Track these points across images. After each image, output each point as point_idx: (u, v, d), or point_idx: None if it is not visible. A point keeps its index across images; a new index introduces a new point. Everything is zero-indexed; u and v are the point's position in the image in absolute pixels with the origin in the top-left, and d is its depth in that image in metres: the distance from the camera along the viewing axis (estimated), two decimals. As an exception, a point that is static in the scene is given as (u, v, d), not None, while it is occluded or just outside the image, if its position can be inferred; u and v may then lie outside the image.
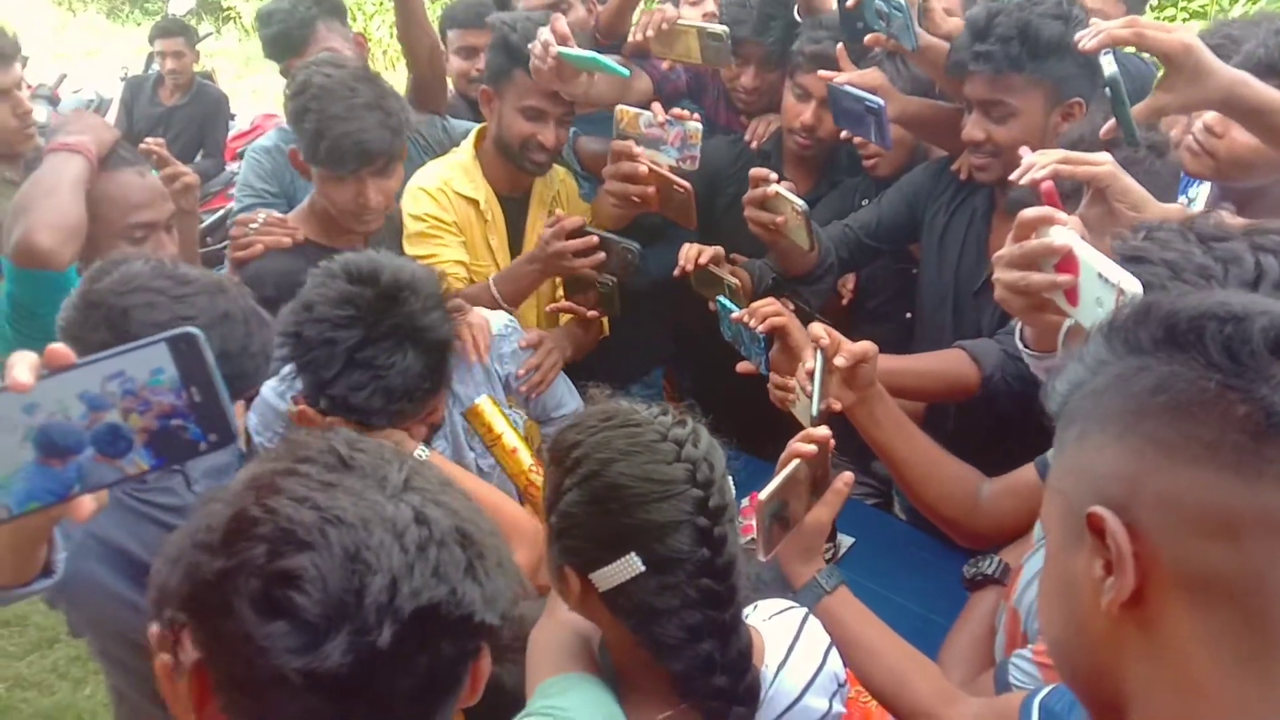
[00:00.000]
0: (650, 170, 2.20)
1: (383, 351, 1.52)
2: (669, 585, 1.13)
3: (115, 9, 13.02)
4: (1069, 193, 1.63)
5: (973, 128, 2.03)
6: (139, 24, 12.35)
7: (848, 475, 1.52)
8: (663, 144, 2.25)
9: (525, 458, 1.78)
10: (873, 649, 1.42)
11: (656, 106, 2.26)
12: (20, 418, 0.81)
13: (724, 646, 1.16)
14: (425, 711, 0.81)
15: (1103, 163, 1.52)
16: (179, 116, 5.44)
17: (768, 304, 1.91)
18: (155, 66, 5.65)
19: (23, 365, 0.80)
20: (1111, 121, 1.59)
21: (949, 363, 1.97)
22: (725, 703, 1.17)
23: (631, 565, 1.12)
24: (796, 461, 1.46)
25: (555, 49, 2.13)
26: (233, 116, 5.78)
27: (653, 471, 1.13)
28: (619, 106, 2.29)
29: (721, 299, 2.07)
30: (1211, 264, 1.21)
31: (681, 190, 2.18)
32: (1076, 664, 0.73)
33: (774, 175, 2.08)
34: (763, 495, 1.38)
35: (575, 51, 2.14)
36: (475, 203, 2.39)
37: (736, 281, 2.15)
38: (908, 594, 1.99)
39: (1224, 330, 0.66)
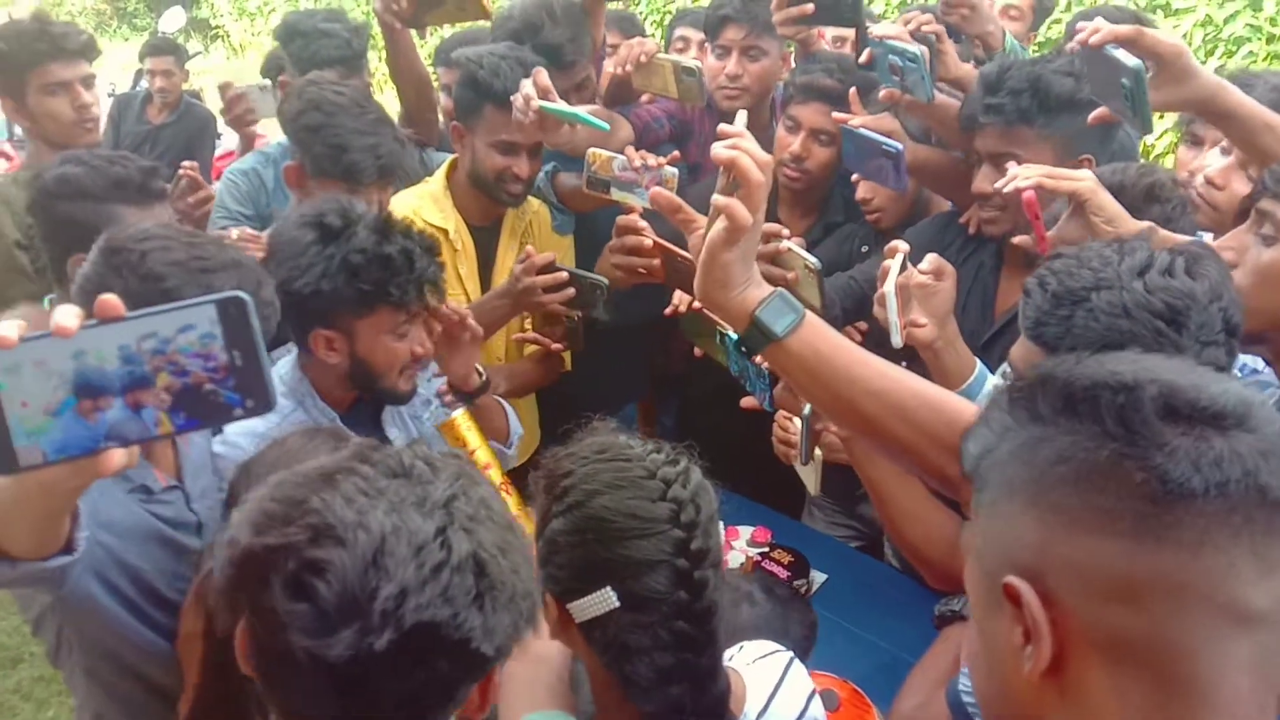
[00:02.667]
0: (655, 244, 2.22)
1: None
2: (642, 624, 1.12)
3: (103, 24, 13.01)
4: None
5: (982, 180, 2.04)
6: (126, 39, 12.35)
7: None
8: (637, 187, 2.26)
9: (495, 475, 1.82)
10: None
11: (630, 151, 2.26)
12: (61, 365, 0.83)
13: (697, 692, 1.15)
14: (412, 713, 0.86)
15: (1083, 178, 1.59)
16: (166, 135, 5.41)
17: None
18: (144, 84, 5.64)
19: (68, 313, 0.82)
20: (1100, 110, 1.70)
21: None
22: None
23: (606, 600, 1.12)
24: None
25: (536, 103, 2.15)
26: (219, 136, 5.76)
27: (636, 508, 1.13)
28: (591, 150, 2.28)
29: (728, 334, 2.07)
30: (1112, 254, 1.35)
31: (685, 262, 2.19)
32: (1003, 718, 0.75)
33: (786, 230, 2.08)
34: (806, 409, 1.37)
35: (556, 106, 2.17)
36: (445, 232, 2.39)
37: (729, 327, 2.16)
38: (880, 632, 2.00)
39: (1117, 400, 0.68)
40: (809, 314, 1.18)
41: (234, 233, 2.22)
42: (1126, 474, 0.65)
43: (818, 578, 2.26)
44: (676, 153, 2.32)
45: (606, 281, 2.26)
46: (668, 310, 2.24)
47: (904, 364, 1.84)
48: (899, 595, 2.17)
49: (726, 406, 2.06)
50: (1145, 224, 1.59)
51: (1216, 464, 0.64)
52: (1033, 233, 1.66)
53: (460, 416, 1.84)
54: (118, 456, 0.85)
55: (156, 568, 1.41)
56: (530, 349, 2.51)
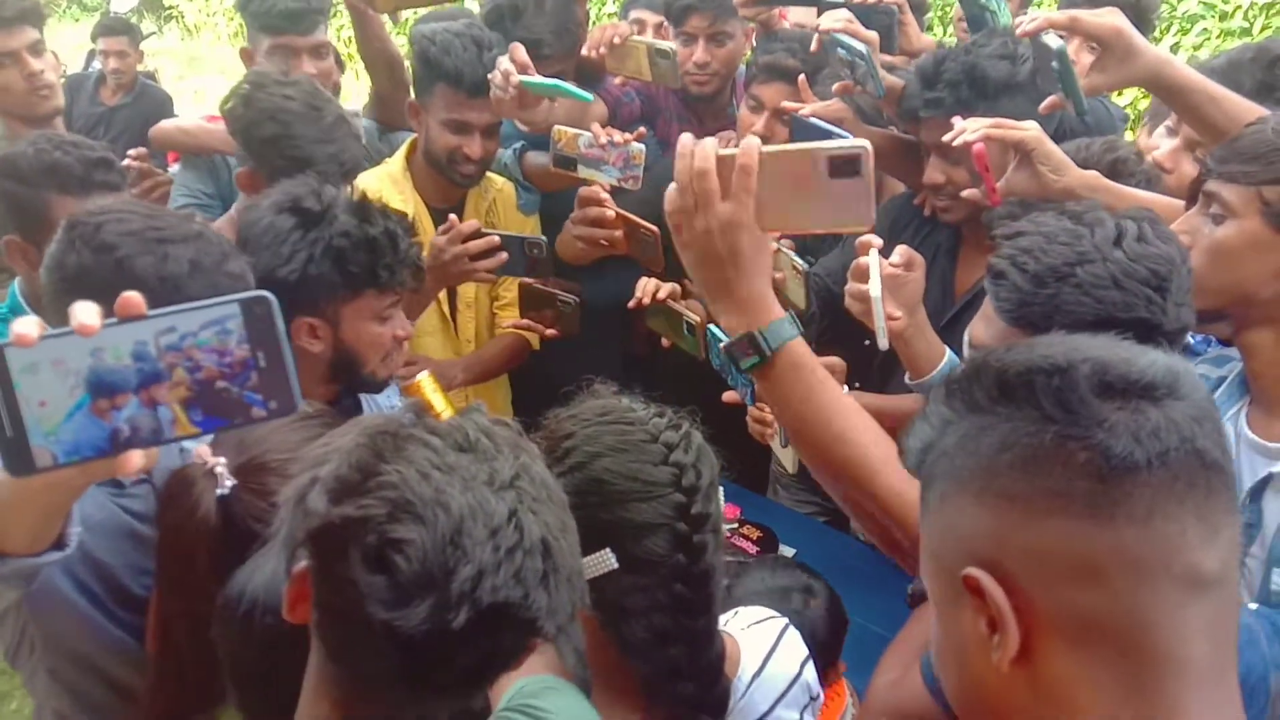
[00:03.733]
0: (618, 215, 2.20)
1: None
2: (640, 586, 1.14)
3: (53, 4, 12.72)
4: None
5: (932, 171, 2.06)
6: (77, 20, 12.08)
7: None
8: (604, 164, 2.25)
9: None
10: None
11: (596, 127, 2.25)
12: (76, 364, 0.81)
13: (693, 653, 1.17)
14: (476, 685, 0.92)
15: (1028, 128, 1.62)
16: (121, 117, 5.30)
17: None
18: (96, 65, 5.52)
19: (89, 311, 0.82)
20: (1052, 98, 1.71)
21: (920, 404, 1.99)
22: (692, 710, 1.18)
23: (605, 561, 1.13)
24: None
25: (516, 78, 2.12)
26: (175, 118, 5.66)
27: (638, 471, 1.14)
28: (556, 127, 2.27)
29: (713, 328, 2.07)
30: (1079, 228, 1.35)
31: (649, 234, 2.19)
32: (976, 715, 0.76)
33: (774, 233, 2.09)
34: None
35: (537, 79, 2.15)
36: (404, 215, 2.37)
37: (696, 317, 2.15)
38: (848, 606, 2.02)
39: (1052, 382, 0.68)
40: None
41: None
42: (1070, 454, 0.66)
43: (786, 552, 2.28)
44: (643, 129, 2.32)
45: (543, 239, 2.24)
46: (631, 303, 2.23)
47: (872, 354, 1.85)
48: (866, 569, 2.20)
49: (690, 385, 2.06)
50: (1091, 173, 1.63)
51: (1155, 434, 0.65)
52: (983, 186, 1.68)
53: (425, 379, 1.83)
54: (136, 458, 0.85)
55: (125, 563, 1.38)
56: (501, 330, 2.49)
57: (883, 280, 1.71)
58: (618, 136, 2.24)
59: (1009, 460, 0.68)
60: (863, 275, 1.73)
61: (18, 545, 1.06)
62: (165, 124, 2.90)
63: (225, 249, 1.48)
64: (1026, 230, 1.39)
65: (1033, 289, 1.33)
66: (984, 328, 1.45)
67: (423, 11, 2.86)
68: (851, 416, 1.16)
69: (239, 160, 2.13)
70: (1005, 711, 0.71)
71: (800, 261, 2.03)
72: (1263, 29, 6.28)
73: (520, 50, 2.17)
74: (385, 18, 2.75)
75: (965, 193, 1.84)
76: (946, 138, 1.72)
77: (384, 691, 0.88)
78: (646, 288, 2.21)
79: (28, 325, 0.81)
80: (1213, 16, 6.40)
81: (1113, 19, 1.61)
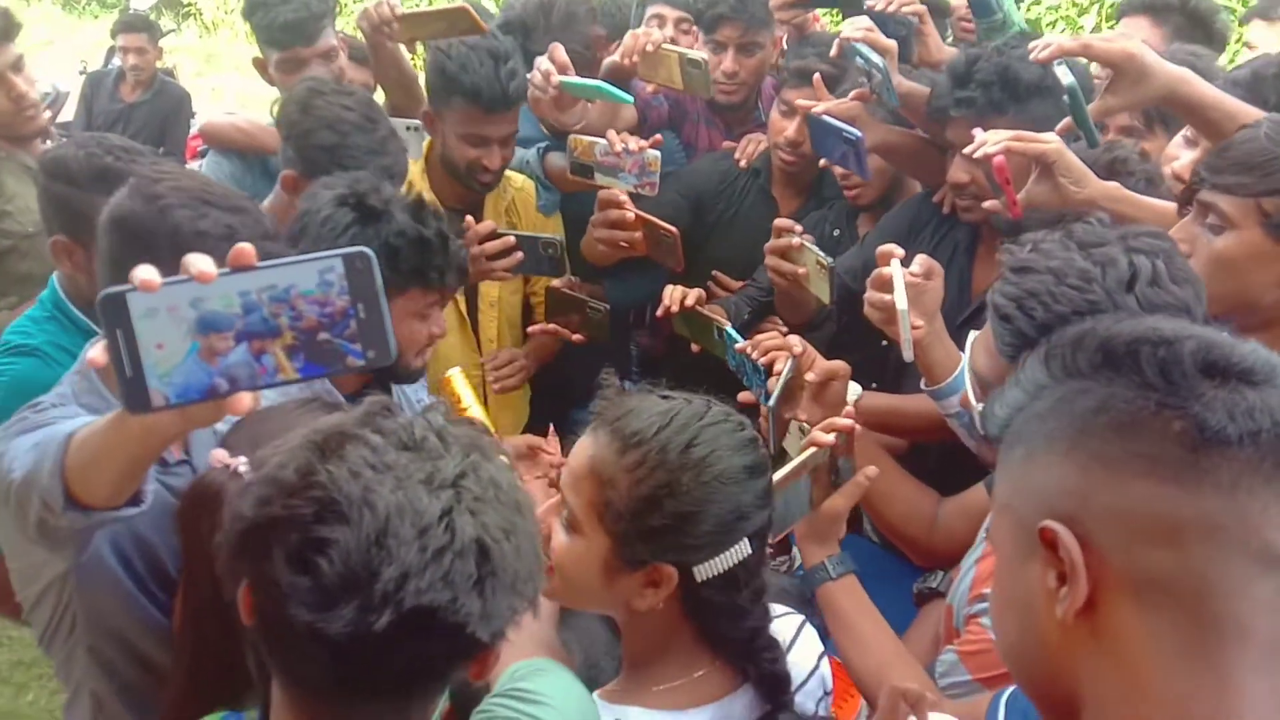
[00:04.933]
0: (637, 216, 2.22)
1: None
2: (754, 559, 1.20)
3: (71, 1, 12.79)
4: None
5: (956, 170, 2.06)
6: (96, 16, 12.14)
7: (871, 469, 1.58)
8: (620, 171, 2.27)
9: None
10: (864, 640, 1.48)
11: (611, 135, 2.27)
12: (189, 311, 0.86)
13: (764, 624, 1.24)
14: (405, 691, 0.89)
15: (1049, 140, 1.63)
16: (140, 113, 5.36)
17: (770, 337, 1.93)
18: (116, 62, 5.57)
19: (206, 260, 0.86)
20: (1067, 120, 1.72)
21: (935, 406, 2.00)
22: (776, 686, 1.23)
23: (743, 549, 1.18)
24: (812, 450, 1.53)
25: (557, 78, 2.13)
26: (194, 114, 5.71)
27: (746, 460, 1.20)
28: (572, 136, 2.29)
29: (728, 330, 2.08)
30: (1090, 267, 1.32)
31: (668, 235, 2.20)
32: (1032, 671, 0.77)
33: (799, 227, 2.10)
34: (776, 477, 1.42)
35: (577, 80, 2.15)
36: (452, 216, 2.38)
37: (727, 323, 2.16)
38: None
39: (1158, 353, 0.72)
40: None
41: None
42: (1166, 422, 0.69)
43: (799, 555, 2.28)
44: (659, 136, 2.33)
45: (558, 239, 2.26)
46: (659, 312, 2.24)
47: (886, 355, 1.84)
48: (878, 571, 2.19)
49: (708, 386, 2.07)
50: (1112, 184, 1.63)
51: (1249, 414, 0.68)
52: (1003, 197, 1.68)
53: (455, 374, 1.85)
54: (246, 399, 0.88)
55: (164, 542, 1.42)
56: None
57: (907, 291, 1.72)
58: (633, 144, 2.26)
59: (1104, 422, 0.71)
60: (884, 285, 1.74)
61: (100, 497, 1.10)
62: (219, 119, 2.91)
63: (267, 229, 1.50)
64: (1035, 266, 1.35)
65: (1038, 336, 1.30)
66: (985, 359, 1.45)
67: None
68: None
69: (284, 163, 2.14)
70: (1062, 665, 0.73)
71: (825, 257, 2.03)
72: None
73: (560, 50, 2.18)
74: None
75: (986, 204, 1.84)
76: (966, 150, 1.73)
77: (315, 691, 0.88)
78: (674, 295, 2.22)
79: (150, 271, 0.85)
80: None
81: (1124, 43, 1.62)
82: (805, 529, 1.55)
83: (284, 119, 2.13)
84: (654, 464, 1.16)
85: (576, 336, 2.40)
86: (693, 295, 2.22)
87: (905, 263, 1.77)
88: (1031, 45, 1.70)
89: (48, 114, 2.64)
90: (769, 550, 2.17)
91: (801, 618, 1.38)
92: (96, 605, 1.44)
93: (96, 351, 0.88)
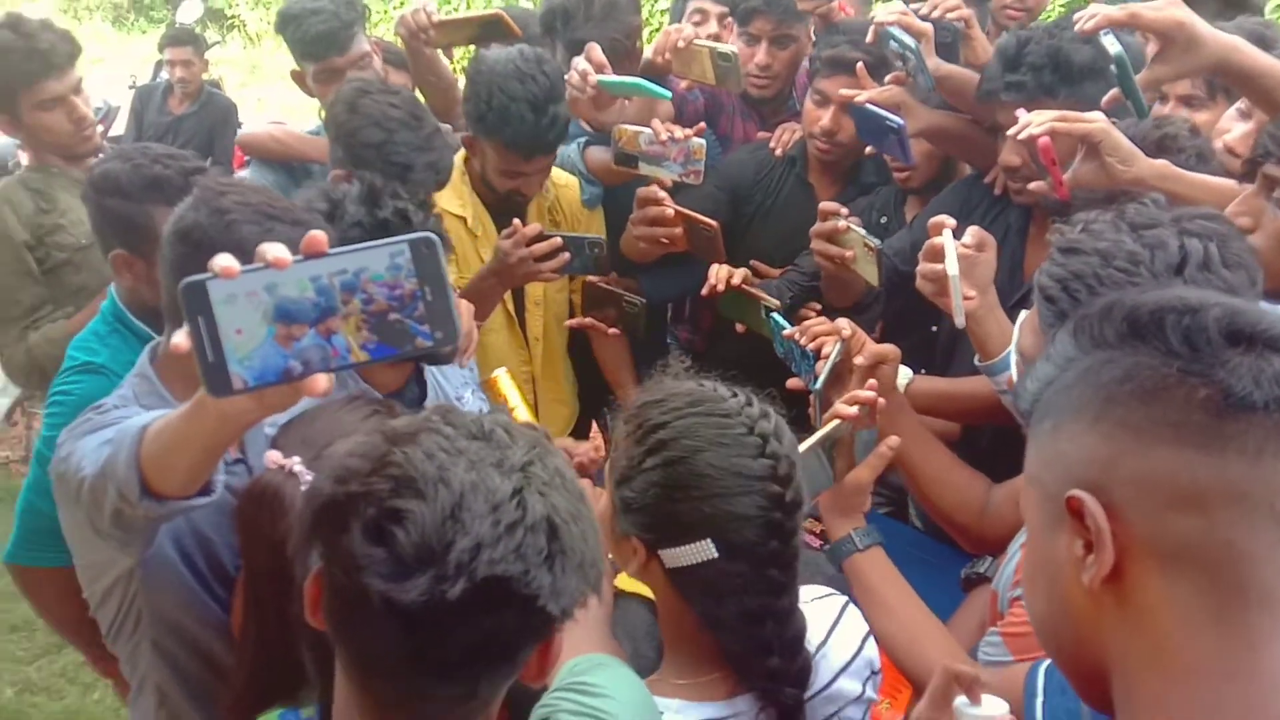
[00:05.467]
0: (676, 212, 2.22)
1: None
2: (736, 572, 1.17)
3: (120, 17, 13.09)
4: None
5: (1008, 153, 2.04)
6: (144, 32, 12.41)
7: (893, 439, 1.60)
8: (665, 160, 2.27)
9: None
10: (892, 607, 1.49)
11: (656, 123, 2.28)
12: (265, 297, 0.89)
13: (781, 630, 1.20)
14: (476, 670, 0.90)
15: (1095, 119, 1.60)
16: (188, 125, 5.48)
17: (819, 322, 1.92)
18: (164, 75, 5.69)
19: (281, 248, 0.90)
20: (1114, 91, 1.68)
21: (987, 387, 1.96)
22: (779, 683, 1.21)
23: (704, 550, 1.16)
24: (835, 423, 1.54)
25: (595, 77, 2.14)
26: (240, 125, 5.81)
27: (739, 466, 1.17)
28: (617, 126, 2.30)
29: (775, 316, 2.08)
30: (1140, 250, 1.31)
31: (708, 229, 2.21)
32: (1061, 640, 0.78)
33: (844, 209, 2.09)
34: (819, 381, 1.45)
35: (615, 78, 2.16)
36: (463, 220, 2.40)
37: (775, 302, 2.17)
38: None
39: (1182, 321, 0.71)
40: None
41: None
42: (1191, 389, 0.69)
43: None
44: (703, 124, 2.33)
45: (601, 239, 2.27)
46: (704, 290, 2.25)
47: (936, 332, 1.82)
48: (928, 559, 2.18)
49: (750, 377, 2.07)
50: (1161, 162, 1.60)
51: (1275, 380, 0.68)
52: (1049, 179, 1.66)
53: (501, 374, 1.87)
54: (321, 380, 0.91)
55: (224, 540, 1.45)
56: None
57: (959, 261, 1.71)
58: (678, 133, 2.26)
59: (1129, 390, 0.71)
60: (936, 255, 1.73)
61: (175, 486, 1.14)
62: (256, 130, 2.97)
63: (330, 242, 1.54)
64: (1083, 247, 1.35)
65: None
66: (1030, 339, 1.44)
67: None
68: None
69: (333, 164, 2.17)
70: (1090, 631, 0.74)
71: (872, 239, 2.02)
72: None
73: (597, 50, 2.19)
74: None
75: (1032, 185, 1.81)
76: (1011, 132, 1.70)
77: (388, 672, 0.89)
78: (720, 274, 2.23)
79: (229, 259, 0.89)
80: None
81: (1172, 11, 1.58)
82: (829, 502, 1.56)
83: (332, 119, 2.17)
84: (636, 438, 1.21)
85: (612, 330, 2.41)
86: (739, 274, 2.23)
87: (958, 235, 1.76)
88: (1077, 16, 1.67)
89: (100, 129, 2.71)
90: (819, 544, 2.19)
91: (844, 600, 1.37)
92: (160, 601, 1.48)
93: (180, 338, 0.90)
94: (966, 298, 1.71)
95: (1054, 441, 0.76)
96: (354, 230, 1.71)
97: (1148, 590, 0.70)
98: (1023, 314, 1.53)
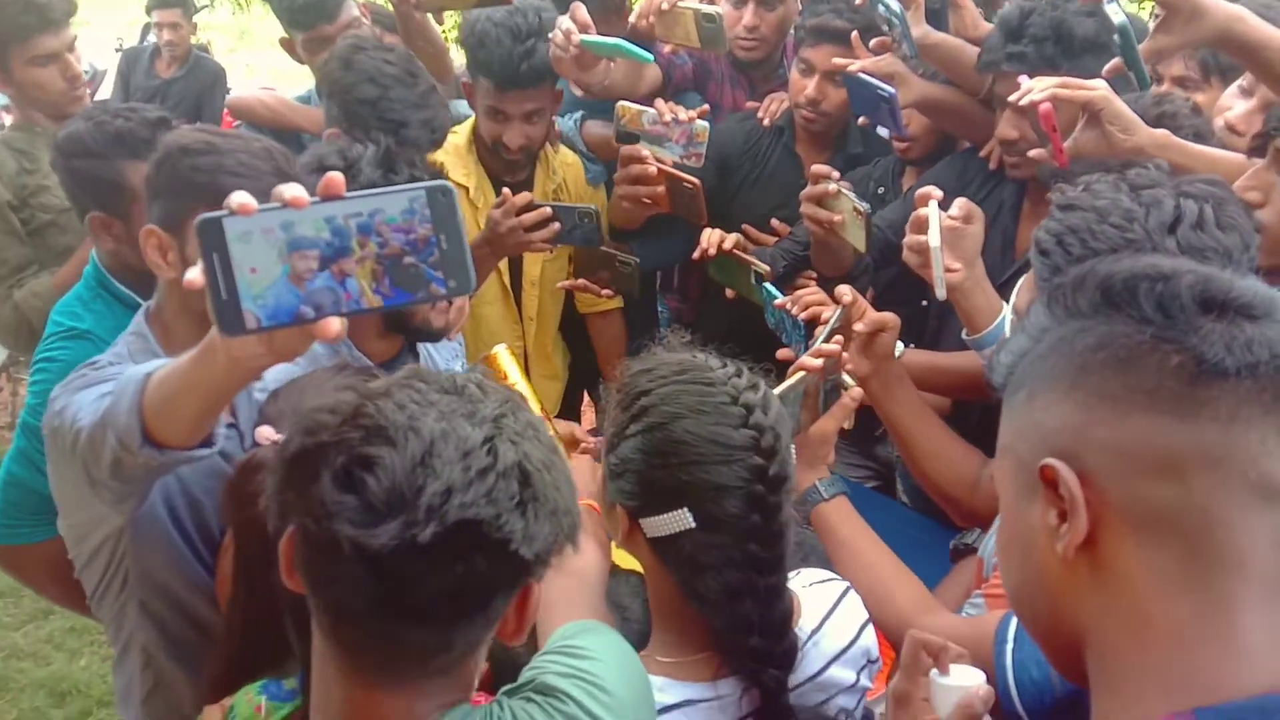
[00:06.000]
0: (659, 170, 2.21)
1: None
2: (715, 544, 1.16)
3: (107, -22, 12.88)
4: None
5: (1006, 126, 2.02)
6: (131, -5, 12.24)
7: (855, 391, 1.62)
8: (667, 141, 2.27)
9: (534, 407, 1.83)
10: (861, 554, 1.50)
11: (660, 104, 2.27)
12: (280, 235, 0.88)
13: (764, 609, 1.18)
14: (450, 617, 0.90)
15: (1096, 87, 1.59)
16: (176, 89, 5.41)
17: (811, 292, 1.92)
18: (152, 38, 5.62)
19: (298, 188, 0.89)
20: (1115, 61, 1.67)
21: (976, 361, 1.96)
22: (760, 663, 1.20)
23: (682, 520, 1.15)
24: (800, 374, 1.55)
25: (578, 36, 2.12)
26: (229, 90, 5.74)
27: (718, 434, 1.15)
28: (620, 103, 2.30)
29: (767, 285, 2.07)
30: (1135, 208, 1.32)
31: (690, 186, 2.20)
32: (1036, 609, 0.78)
33: (835, 173, 2.07)
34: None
35: (598, 39, 2.14)
36: (465, 190, 2.39)
37: (765, 267, 2.16)
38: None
39: (1155, 289, 0.71)
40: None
41: None
42: (1164, 356, 0.69)
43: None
44: (706, 106, 2.33)
45: (594, 208, 2.26)
46: (695, 254, 2.24)
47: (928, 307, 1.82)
48: (916, 534, 2.19)
49: (740, 346, 2.07)
50: (1161, 131, 1.59)
51: (1247, 347, 0.68)
52: (1050, 146, 1.65)
53: (500, 350, 1.86)
54: (334, 323, 0.90)
55: (213, 503, 1.45)
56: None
57: (942, 234, 1.70)
58: (682, 114, 2.26)
59: (1103, 358, 0.71)
60: (921, 227, 1.73)
61: (179, 434, 1.13)
62: (246, 95, 2.94)
63: (281, 166, 1.54)
64: (1081, 204, 1.36)
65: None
66: (1027, 299, 1.45)
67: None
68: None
69: (328, 122, 2.16)
70: (1065, 602, 0.74)
71: (861, 204, 2.01)
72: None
73: (581, 9, 2.17)
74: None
75: (1032, 153, 1.80)
76: (1013, 98, 1.69)
77: (360, 620, 0.88)
78: (711, 238, 2.22)
79: (245, 196, 0.88)
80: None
81: None
82: (796, 453, 1.55)
83: (326, 76, 2.16)
84: (623, 405, 1.21)
85: (606, 291, 2.41)
86: (730, 239, 2.22)
87: (945, 206, 1.75)
88: None
89: (86, 91, 2.67)
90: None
91: (845, 585, 1.36)
92: (149, 560, 1.47)
93: (194, 273, 0.89)
94: (951, 270, 1.71)
95: (1028, 411, 0.76)
96: None
97: (1122, 558, 0.70)
98: (1021, 279, 1.53)
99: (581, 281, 2.42)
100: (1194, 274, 0.72)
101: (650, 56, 2.22)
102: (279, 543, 0.93)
